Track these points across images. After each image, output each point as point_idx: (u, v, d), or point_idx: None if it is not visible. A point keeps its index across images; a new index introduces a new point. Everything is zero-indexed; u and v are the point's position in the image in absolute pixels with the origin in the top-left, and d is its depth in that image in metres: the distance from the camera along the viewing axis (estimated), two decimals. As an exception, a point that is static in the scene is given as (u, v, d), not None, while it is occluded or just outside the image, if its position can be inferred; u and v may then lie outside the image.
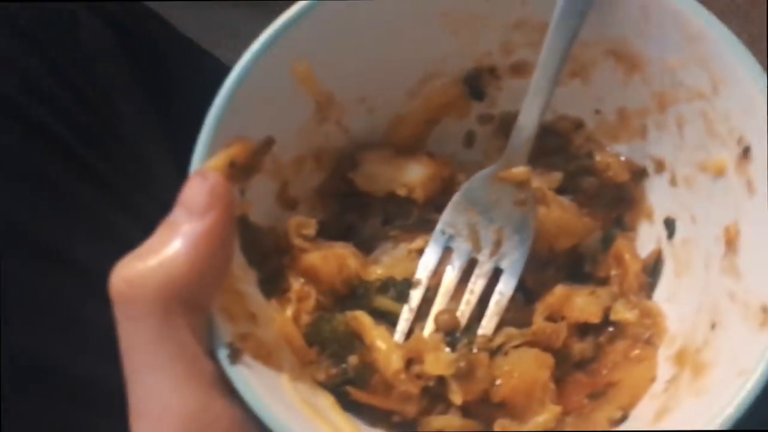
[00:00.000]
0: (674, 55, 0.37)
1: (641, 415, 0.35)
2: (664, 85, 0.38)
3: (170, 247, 0.31)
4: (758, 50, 1.39)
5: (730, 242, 0.35)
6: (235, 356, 0.32)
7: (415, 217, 0.44)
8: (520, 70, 0.43)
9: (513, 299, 0.41)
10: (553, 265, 0.43)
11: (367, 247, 0.44)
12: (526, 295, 0.42)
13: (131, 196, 0.52)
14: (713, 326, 0.35)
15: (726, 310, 0.34)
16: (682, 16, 0.35)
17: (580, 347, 0.40)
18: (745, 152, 0.34)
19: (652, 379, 0.37)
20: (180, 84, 0.58)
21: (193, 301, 0.32)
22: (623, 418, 0.36)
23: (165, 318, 0.31)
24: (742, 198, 0.35)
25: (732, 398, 0.30)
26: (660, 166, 0.41)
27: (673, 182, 0.41)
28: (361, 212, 0.45)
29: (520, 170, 0.40)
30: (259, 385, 0.32)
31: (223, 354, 0.32)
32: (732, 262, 0.35)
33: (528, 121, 0.39)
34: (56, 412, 0.47)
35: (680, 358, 0.36)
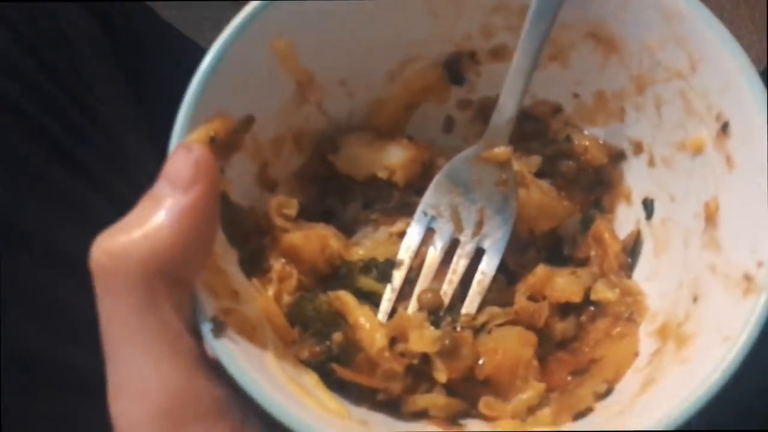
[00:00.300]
0: (652, 35, 0.37)
1: (626, 387, 0.36)
2: (643, 66, 0.39)
3: (154, 220, 0.31)
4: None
5: (710, 217, 0.36)
6: (219, 330, 0.32)
7: (396, 200, 0.44)
8: (500, 54, 0.43)
9: (495, 280, 0.41)
10: (534, 247, 0.43)
11: (347, 231, 0.43)
12: (507, 277, 0.42)
13: (109, 181, 0.51)
14: (695, 299, 0.35)
15: (707, 283, 0.35)
16: None
17: (562, 327, 0.40)
18: (724, 128, 0.35)
19: (635, 354, 0.37)
20: (159, 68, 0.57)
21: (177, 276, 0.31)
22: (608, 392, 0.36)
23: (148, 293, 0.30)
24: (721, 173, 0.35)
25: (718, 363, 0.30)
26: (638, 148, 0.42)
27: (651, 163, 0.41)
28: (342, 196, 0.44)
29: (501, 150, 0.40)
30: (245, 359, 0.32)
31: (207, 328, 0.31)
32: (712, 236, 0.36)
33: (509, 101, 0.40)
34: (39, 400, 0.46)
35: (662, 333, 0.37)
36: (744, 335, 0.30)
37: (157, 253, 0.30)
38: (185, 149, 0.32)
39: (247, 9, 0.36)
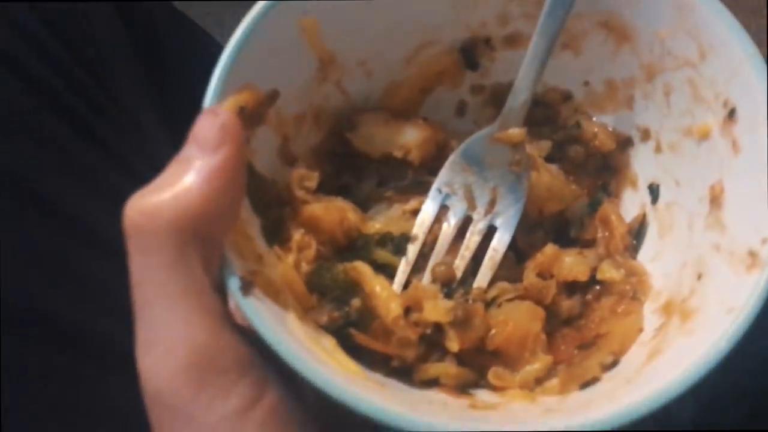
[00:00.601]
0: (664, 25, 0.39)
1: (632, 359, 0.37)
2: (653, 55, 0.40)
3: (184, 181, 0.32)
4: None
5: (715, 199, 0.38)
6: (247, 288, 0.33)
7: (410, 179, 0.45)
8: (515, 41, 0.45)
9: (505, 257, 0.43)
10: (542, 228, 0.45)
11: (362, 208, 0.44)
12: (517, 255, 0.44)
13: (129, 159, 0.52)
14: (699, 277, 0.37)
15: (712, 261, 0.36)
16: None
17: (568, 304, 0.42)
18: (731, 114, 0.37)
19: (640, 330, 0.39)
20: (174, 53, 0.58)
21: (206, 235, 0.32)
22: (614, 363, 0.37)
23: (178, 250, 0.31)
24: (727, 157, 0.37)
25: (723, 333, 0.31)
26: (645, 135, 0.43)
27: (657, 149, 0.43)
28: (357, 173, 0.45)
29: (515, 131, 0.42)
30: (270, 317, 0.33)
31: (235, 285, 0.33)
32: (717, 217, 0.37)
33: (524, 85, 0.41)
34: (48, 359, 0.46)
35: (667, 309, 0.38)
36: (749, 306, 0.32)
37: (186, 213, 0.31)
38: (212, 114, 0.34)
39: None
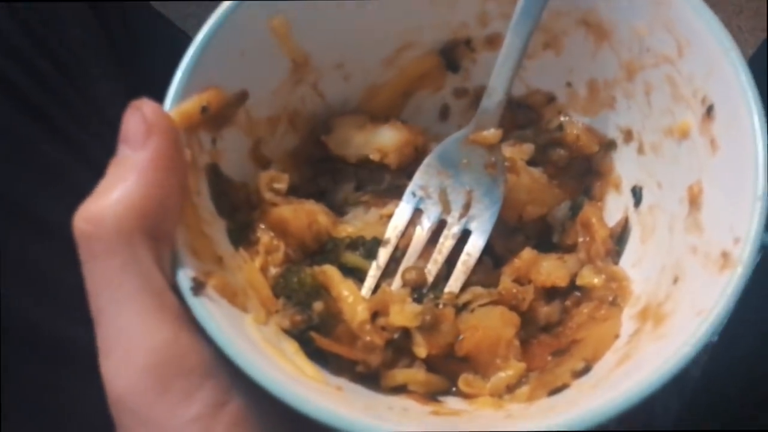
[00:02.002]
0: (641, 20, 0.38)
1: (604, 366, 0.36)
2: (632, 52, 0.39)
3: (122, 182, 0.32)
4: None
5: (694, 200, 0.36)
6: (198, 288, 0.32)
7: (387, 183, 0.44)
8: (495, 42, 0.44)
9: (482, 263, 0.41)
10: (523, 233, 0.43)
11: (339, 212, 0.44)
12: (495, 261, 0.43)
13: (101, 158, 0.52)
14: (675, 281, 0.35)
15: (688, 264, 0.35)
16: None
17: (546, 311, 0.40)
18: (709, 111, 0.35)
19: (616, 336, 0.37)
20: (150, 54, 0.58)
21: (154, 232, 0.32)
22: (586, 369, 0.36)
23: (127, 251, 0.31)
24: (705, 156, 0.36)
25: (690, 337, 0.30)
26: (628, 136, 0.42)
27: (640, 150, 0.41)
28: (334, 177, 0.45)
29: (490, 133, 0.41)
30: (223, 319, 0.32)
31: (185, 284, 0.32)
32: (695, 218, 0.36)
33: (499, 85, 0.40)
34: (34, 370, 0.46)
35: (643, 314, 0.36)
36: (718, 307, 0.30)
37: (131, 212, 0.31)
38: (135, 109, 0.33)
39: None
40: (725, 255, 0.32)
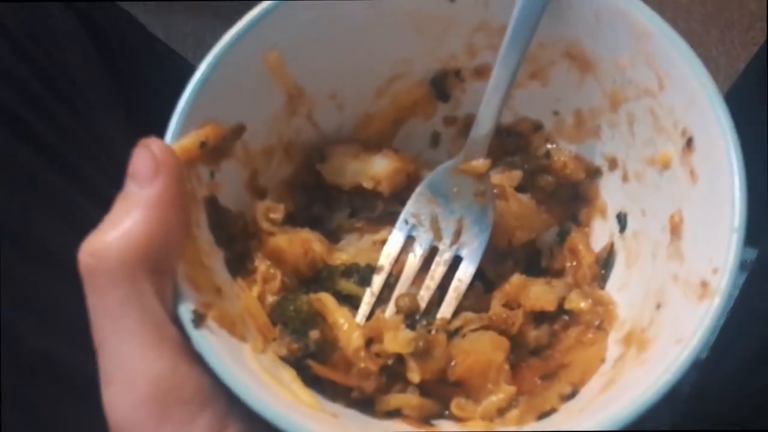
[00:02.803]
0: (623, 54, 0.39)
1: (590, 390, 0.37)
2: (616, 84, 0.41)
3: (127, 217, 0.33)
4: (711, 73, 1.45)
5: (675, 228, 0.37)
6: (199, 320, 0.33)
7: (381, 210, 0.46)
8: (483, 72, 0.45)
9: (473, 288, 0.43)
10: (512, 258, 0.45)
11: (333, 239, 0.45)
12: (486, 286, 0.44)
13: (98, 184, 0.53)
14: (658, 307, 0.37)
15: (670, 292, 0.36)
16: (630, 15, 0.37)
17: (536, 334, 0.42)
18: (689, 143, 0.37)
19: (602, 360, 0.38)
20: (147, 79, 0.59)
21: (157, 266, 0.33)
22: (573, 393, 0.37)
23: (130, 285, 0.32)
24: (685, 187, 0.37)
25: (670, 365, 0.31)
26: (613, 164, 0.43)
27: (625, 178, 0.43)
28: (329, 204, 0.46)
29: (479, 163, 0.42)
30: (222, 349, 0.33)
31: (186, 317, 0.33)
32: (677, 247, 0.37)
33: (486, 117, 0.41)
34: (35, 396, 0.47)
35: (627, 339, 0.38)
36: (696, 337, 0.31)
37: (135, 247, 0.32)
38: (144, 147, 0.35)
39: (241, 23, 0.39)
40: (704, 284, 0.33)
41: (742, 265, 0.63)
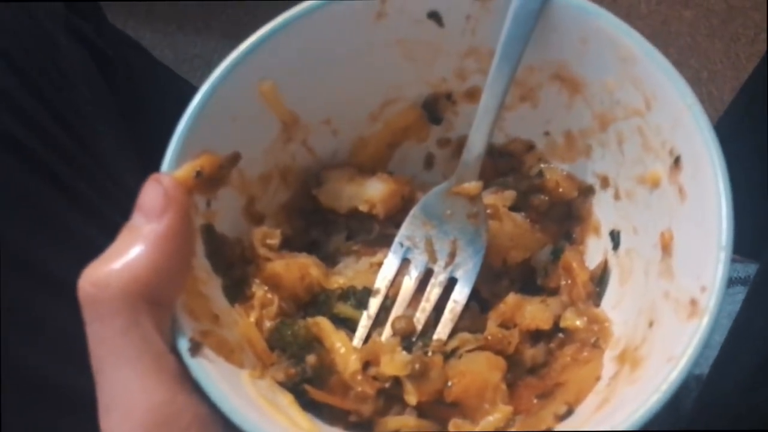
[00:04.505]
0: (611, 76, 0.40)
1: (586, 408, 0.37)
2: (604, 105, 0.41)
3: (132, 249, 0.33)
4: (717, 86, 1.45)
5: (666, 246, 0.38)
6: (195, 349, 0.34)
7: (376, 232, 0.46)
8: (474, 95, 0.46)
9: (469, 308, 0.43)
10: (507, 277, 0.45)
11: (331, 262, 0.46)
12: (482, 305, 0.44)
13: (104, 211, 0.54)
14: (651, 324, 0.37)
15: (661, 309, 0.37)
16: (615, 39, 0.38)
17: (532, 353, 0.42)
18: (676, 162, 0.37)
19: (597, 378, 0.39)
20: (153, 105, 0.60)
21: (157, 299, 0.34)
22: (569, 413, 0.37)
23: (130, 315, 0.33)
24: (675, 205, 0.37)
25: (661, 383, 0.31)
26: (605, 182, 0.44)
27: (616, 196, 0.43)
28: (326, 228, 0.47)
29: (471, 185, 0.43)
30: (219, 377, 0.34)
31: (183, 346, 0.34)
32: (668, 264, 0.37)
33: (477, 140, 0.42)
34: (34, 419, 0.48)
35: (622, 357, 0.38)
36: (685, 356, 0.32)
37: (136, 280, 0.33)
38: (155, 181, 0.35)
39: (234, 54, 0.40)
40: (693, 303, 0.34)
41: (744, 280, 0.63)
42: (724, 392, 0.57)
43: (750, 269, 0.70)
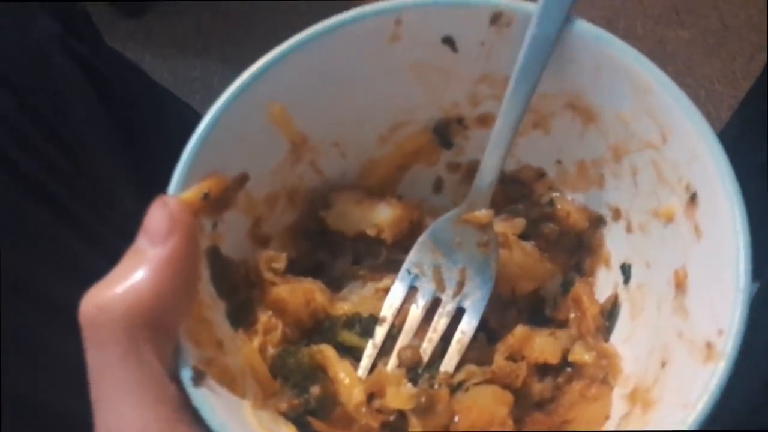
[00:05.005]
0: (626, 107, 0.39)
1: None
2: (618, 136, 0.41)
3: (136, 274, 0.33)
4: (714, 105, 1.46)
5: (680, 284, 0.37)
6: (198, 379, 0.33)
7: (384, 257, 0.46)
8: (486, 120, 0.45)
9: (476, 339, 0.42)
10: (516, 307, 0.44)
11: (336, 286, 0.45)
12: (489, 335, 0.43)
13: (103, 236, 0.53)
14: (663, 365, 0.36)
15: (675, 349, 0.36)
16: (630, 69, 0.37)
17: (540, 387, 0.41)
18: (692, 198, 0.36)
19: (606, 417, 0.38)
20: (152, 127, 0.59)
21: (160, 325, 0.33)
22: (577, 452, 0.37)
23: (131, 342, 0.32)
24: (690, 242, 0.37)
25: (676, 429, 0.31)
26: (617, 214, 0.43)
27: (629, 229, 0.42)
28: (332, 251, 0.46)
29: (482, 213, 0.42)
30: (221, 408, 0.33)
31: (186, 376, 0.33)
32: (681, 303, 0.37)
33: (489, 167, 0.41)
34: None
35: (632, 397, 0.37)
36: (701, 402, 0.31)
37: (138, 305, 0.32)
38: (161, 204, 0.34)
39: (244, 76, 0.39)
40: (709, 346, 0.33)
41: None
42: (725, 413, 0.57)
43: (752, 287, 0.70)
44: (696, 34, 1.55)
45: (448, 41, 0.41)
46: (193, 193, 0.37)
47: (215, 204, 0.39)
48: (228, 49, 1.43)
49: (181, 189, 0.37)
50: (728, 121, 1.12)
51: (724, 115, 1.40)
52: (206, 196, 0.38)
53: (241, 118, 0.39)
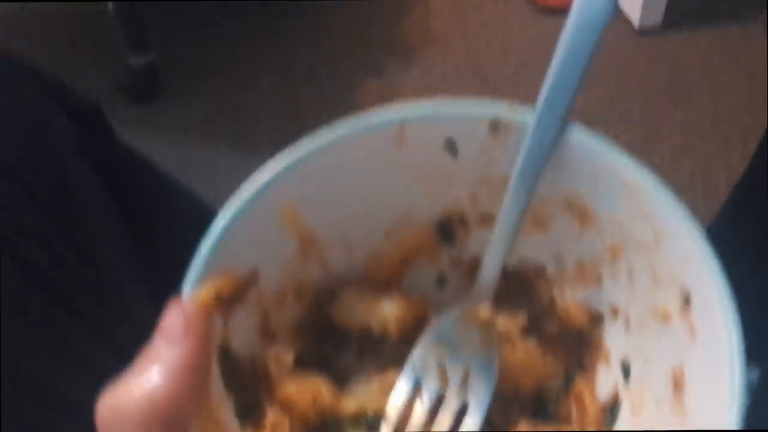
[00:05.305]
0: (621, 210, 0.41)
1: None
2: (615, 238, 0.42)
3: (152, 376, 0.34)
4: (711, 184, 1.48)
5: (677, 384, 0.38)
6: (208, 481, 0.34)
7: (389, 351, 0.47)
8: (487, 220, 0.47)
9: (480, 435, 0.43)
10: (518, 403, 0.45)
11: (341, 379, 0.46)
12: (491, 429, 0.44)
13: (111, 330, 0.54)
14: None
15: None
16: (624, 172, 0.39)
17: (544, 484, 0.42)
18: (687, 300, 0.38)
19: None
20: (162, 223, 0.61)
21: (173, 424, 0.34)
22: None
23: None
24: (686, 342, 0.38)
25: None
26: (615, 312, 0.44)
27: (627, 326, 0.44)
28: (337, 345, 0.47)
29: (484, 312, 0.43)
30: None
31: None
32: (680, 401, 0.38)
33: (491, 267, 0.43)
34: None
35: (636, 498, 0.38)
36: None
37: (154, 406, 0.33)
38: (177, 305, 0.36)
39: (256, 182, 0.41)
40: None
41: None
42: None
43: (752, 374, 0.70)
44: (689, 116, 1.60)
45: (450, 147, 0.43)
46: (207, 293, 0.38)
47: (228, 302, 0.40)
48: (234, 132, 1.47)
49: (194, 288, 0.38)
50: (723, 204, 1.14)
51: (722, 192, 1.43)
52: (219, 296, 0.39)
53: (253, 220, 0.41)
